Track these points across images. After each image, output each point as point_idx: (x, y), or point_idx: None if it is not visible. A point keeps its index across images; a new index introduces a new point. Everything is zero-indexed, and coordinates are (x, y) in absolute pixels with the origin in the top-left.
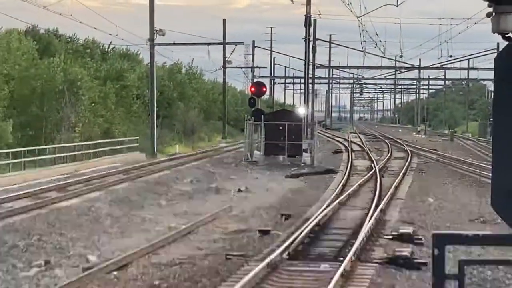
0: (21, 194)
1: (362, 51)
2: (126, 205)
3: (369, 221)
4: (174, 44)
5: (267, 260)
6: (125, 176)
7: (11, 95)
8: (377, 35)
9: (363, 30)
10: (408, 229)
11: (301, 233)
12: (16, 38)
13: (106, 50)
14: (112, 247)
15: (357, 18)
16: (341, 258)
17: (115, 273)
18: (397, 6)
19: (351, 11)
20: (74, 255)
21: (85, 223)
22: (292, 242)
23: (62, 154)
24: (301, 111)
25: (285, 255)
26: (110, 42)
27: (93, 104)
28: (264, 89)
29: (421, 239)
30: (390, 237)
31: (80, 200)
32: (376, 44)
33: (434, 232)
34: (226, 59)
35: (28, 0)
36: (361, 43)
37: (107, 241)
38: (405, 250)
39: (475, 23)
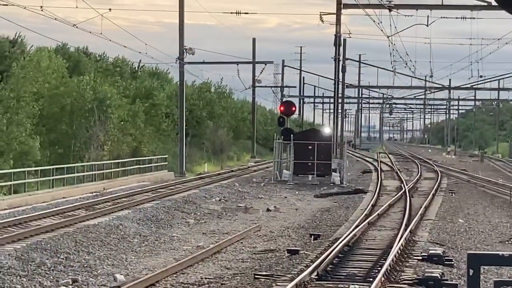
0: (49, 212)
1: (392, 70)
2: (154, 223)
3: (398, 241)
4: (203, 63)
5: (296, 280)
6: (154, 194)
7: (40, 113)
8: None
9: (393, 49)
10: (438, 250)
11: (330, 253)
12: (46, 56)
13: (136, 68)
14: (140, 266)
15: (388, 37)
16: (371, 279)
17: None
18: (427, 25)
19: (382, 31)
20: (101, 274)
21: (113, 242)
22: (321, 262)
23: (91, 172)
24: (327, 130)
25: (314, 275)
26: (140, 61)
27: (122, 123)
28: (294, 109)
29: (451, 260)
30: (420, 257)
31: (108, 218)
32: (406, 64)
33: (469, 252)
34: (256, 78)
35: (58, 18)
36: (391, 62)
37: (135, 260)
38: (435, 271)
39: (506, 43)
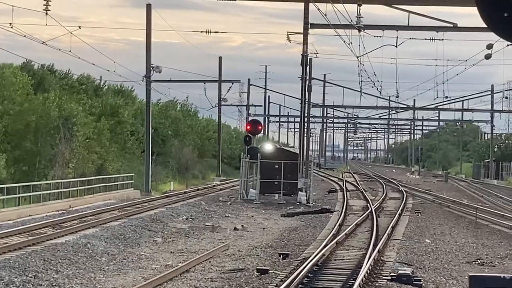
0: (16, 230)
1: (358, 90)
2: (122, 242)
3: (367, 261)
4: (170, 81)
5: None
6: (120, 213)
7: (5, 130)
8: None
9: (361, 70)
10: (407, 270)
11: (300, 272)
12: (10, 73)
13: (99, 85)
14: (109, 285)
15: (357, 57)
16: None
17: None
18: (396, 46)
19: (352, 51)
20: None
21: (81, 260)
22: (291, 282)
23: (56, 190)
24: (268, 147)
25: None
26: (101, 77)
27: (87, 140)
28: (260, 127)
29: (419, 280)
30: (389, 277)
31: (75, 236)
32: (374, 84)
33: (472, 274)
34: (222, 96)
35: (28, 35)
36: (359, 83)
37: (104, 279)
38: None
39: (473, 65)
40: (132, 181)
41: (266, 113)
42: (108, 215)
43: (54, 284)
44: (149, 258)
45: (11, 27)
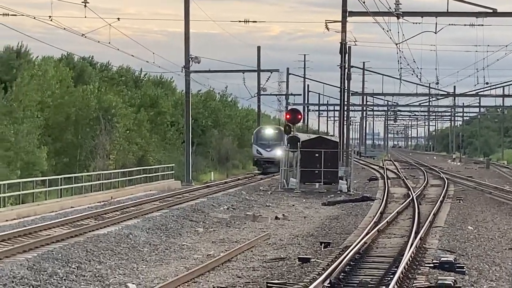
0: (58, 222)
1: (398, 78)
2: (164, 232)
3: (409, 249)
4: (209, 71)
5: None
6: (162, 203)
7: (46, 122)
8: (414, 62)
9: (400, 57)
10: (450, 257)
11: (341, 261)
12: (51, 66)
13: (139, 77)
14: (151, 275)
15: (396, 45)
16: (383, 287)
17: None
18: (435, 33)
19: (391, 38)
20: (113, 283)
21: (123, 251)
22: (333, 270)
23: (98, 182)
24: (268, 131)
25: (326, 283)
26: (141, 69)
27: (127, 131)
28: (300, 116)
29: (462, 267)
30: (432, 265)
31: (117, 227)
32: (413, 71)
33: None
34: (261, 86)
35: (67, 28)
36: (399, 70)
37: (146, 269)
38: (448, 279)
39: None
40: (173, 171)
41: (306, 102)
42: (150, 205)
43: (97, 275)
44: (191, 248)
45: (51, 20)
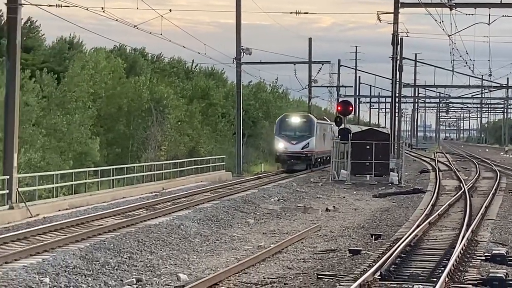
0: (110, 212)
1: (450, 70)
2: (215, 223)
3: (461, 241)
4: (260, 63)
5: (360, 280)
6: (213, 194)
7: (98, 113)
8: (467, 53)
9: (453, 48)
10: (502, 250)
11: (392, 253)
12: (103, 57)
13: (190, 69)
14: (202, 265)
15: (448, 36)
16: (434, 279)
17: None
18: (489, 24)
19: (443, 30)
20: (165, 273)
21: (174, 241)
22: (384, 262)
23: (149, 173)
24: (295, 119)
25: (377, 275)
26: (193, 61)
27: (179, 123)
28: (351, 108)
29: None
30: (483, 257)
31: (169, 218)
32: (466, 63)
33: None
34: (312, 77)
35: (119, 19)
36: (451, 62)
37: (197, 260)
38: (500, 272)
39: None
40: (224, 163)
41: (357, 94)
42: (201, 196)
43: (148, 265)
44: (242, 239)
45: (103, 11)
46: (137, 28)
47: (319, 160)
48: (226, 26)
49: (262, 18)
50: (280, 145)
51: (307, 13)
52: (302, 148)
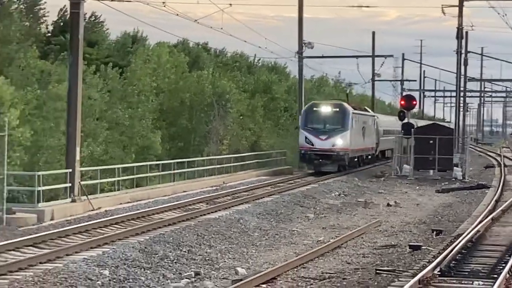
0: (171, 206)
1: None
2: (274, 217)
3: None
4: (322, 57)
5: (418, 275)
6: (273, 189)
7: (160, 107)
8: None
9: None
10: None
11: (453, 249)
12: (166, 52)
13: (252, 63)
14: (261, 259)
15: None
16: (495, 276)
17: (263, 286)
18: None
19: (506, 23)
20: (223, 267)
21: (234, 235)
22: (444, 258)
23: (210, 167)
24: (325, 108)
25: (436, 271)
26: (255, 55)
27: (241, 117)
28: (414, 103)
29: None
30: None
31: (228, 212)
32: None
33: None
34: (375, 71)
35: (180, 14)
36: None
37: (256, 254)
38: None
39: None
40: (285, 157)
41: (421, 88)
42: (261, 191)
43: (207, 258)
44: (301, 234)
45: (164, 6)
46: (198, 22)
47: (356, 159)
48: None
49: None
50: (306, 140)
51: (368, 6)
52: (333, 145)
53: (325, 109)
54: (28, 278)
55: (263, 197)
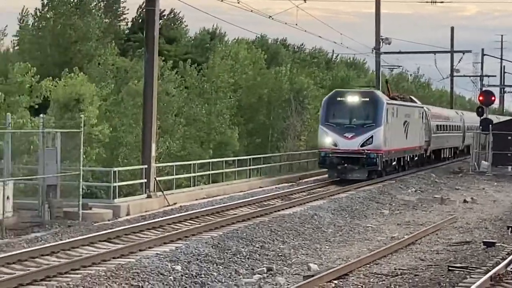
0: (246, 201)
1: None
2: (349, 214)
3: None
4: (399, 52)
5: (490, 272)
6: (349, 185)
7: (238, 104)
8: None
9: None
10: None
11: None
12: (244, 48)
13: (330, 58)
14: (334, 255)
15: None
16: None
17: (335, 282)
18: None
19: None
20: (296, 263)
21: (307, 231)
22: None
23: (287, 162)
24: (352, 98)
25: (509, 268)
26: (333, 51)
27: (318, 113)
28: (493, 98)
29: None
30: None
31: (303, 208)
32: None
33: None
34: (454, 67)
35: (254, 10)
36: None
37: (329, 250)
38: None
39: None
40: None
41: (502, 84)
42: (336, 187)
43: (280, 254)
44: (375, 230)
45: (238, 3)
46: (272, 18)
47: (392, 163)
48: (367, 16)
49: (402, 8)
50: (327, 140)
51: (443, 1)
52: (361, 145)
53: (352, 98)
54: (101, 273)
55: (339, 193)
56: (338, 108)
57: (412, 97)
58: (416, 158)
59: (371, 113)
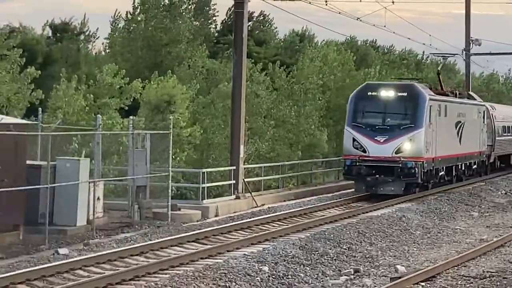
0: (333, 203)
1: None
2: (437, 216)
3: None
4: (490, 53)
5: None
6: (438, 186)
7: (327, 105)
8: None
9: None
10: None
11: None
12: (333, 50)
13: (420, 60)
14: (422, 257)
15: None
16: None
17: (422, 284)
18: None
19: None
20: (383, 264)
21: (395, 233)
22: None
23: None
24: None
25: None
26: (423, 52)
27: None
28: None
29: None
30: None
31: (391, 210)
32: None
33: None
34: None
35: (342, 12)
36: None
37: (417, 252)
38: None
39: None
40: None
41: None
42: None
43: (367, 256)
44: (464, 232)
45: (326, 5)
46: (360, 20)
47: (439, 173)
48: (458, 16)
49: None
50: (354, 144)
51: None
52: (396, 151)
53: (386, 93)
54: (189, 273)
55: (427, 195)
56: (369, 105)
57: (471, 93)
58: (475, 166)
59: (410, 111)
